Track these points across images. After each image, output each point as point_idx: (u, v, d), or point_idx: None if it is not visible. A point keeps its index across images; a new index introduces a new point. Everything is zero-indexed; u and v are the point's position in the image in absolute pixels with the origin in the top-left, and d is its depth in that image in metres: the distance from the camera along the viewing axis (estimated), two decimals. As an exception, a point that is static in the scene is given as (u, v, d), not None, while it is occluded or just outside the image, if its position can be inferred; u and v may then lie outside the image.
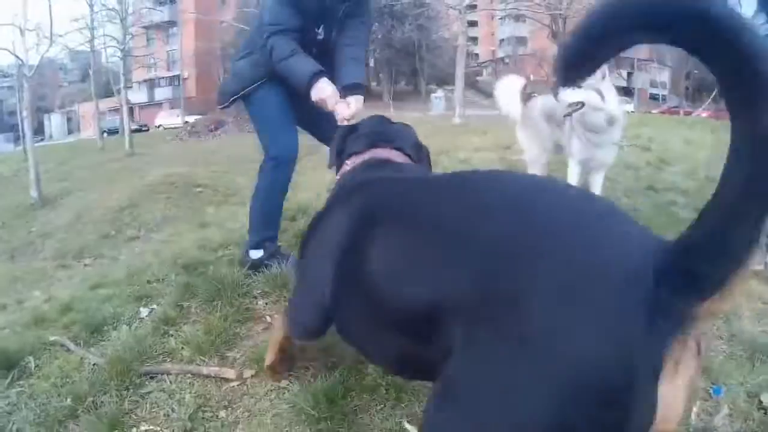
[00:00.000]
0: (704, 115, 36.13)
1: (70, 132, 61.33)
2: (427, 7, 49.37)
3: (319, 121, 3.25)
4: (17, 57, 21.20)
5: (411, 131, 2.21)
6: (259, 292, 3.16)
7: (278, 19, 2.97)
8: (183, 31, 53.24)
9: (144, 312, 3.09)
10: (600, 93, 3.62)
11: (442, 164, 5.72)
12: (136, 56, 45.03)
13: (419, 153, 2.09)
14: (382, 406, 2.19)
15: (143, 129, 47.17)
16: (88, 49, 34.58)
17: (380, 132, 2.13)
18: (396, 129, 2.19)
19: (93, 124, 41.37)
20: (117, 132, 38.16)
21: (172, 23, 55.10)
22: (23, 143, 30.41)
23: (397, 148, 1.99)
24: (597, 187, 4.05)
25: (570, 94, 3.66)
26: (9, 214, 17.56)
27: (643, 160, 6.70)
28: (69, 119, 64.30)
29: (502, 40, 60.86)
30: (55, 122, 64.78)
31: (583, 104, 3.66)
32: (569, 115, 3.77)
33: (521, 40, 57.28)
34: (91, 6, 31.02)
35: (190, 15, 49.20)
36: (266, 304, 3.06)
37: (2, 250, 13.59)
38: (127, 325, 2.95)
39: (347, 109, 2.86)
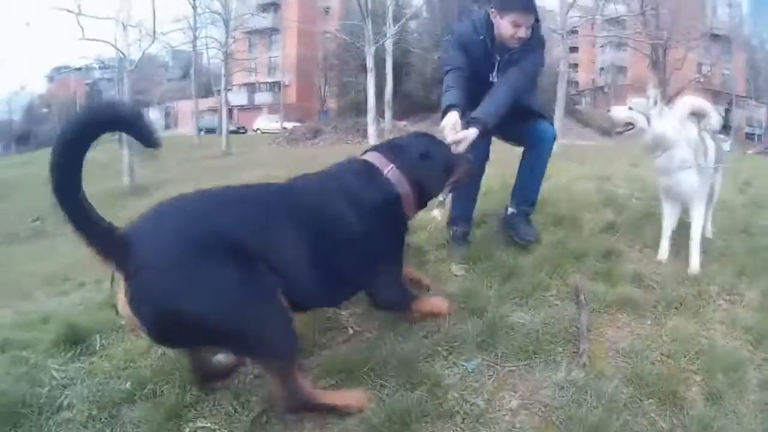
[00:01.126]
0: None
1: (167, 127, 62.69)
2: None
3: (511, 132, 3.85)
4: (119, 51, 22.01)
5: (411, 145, 2.69)
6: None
7: (447, 60, 3.66)
8: (285, 38, 53.94)
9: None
10: (647, 116, 3.58)
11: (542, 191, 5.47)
12: (238, 59, 46.06)
13: (403, 157, 2.57)
14: (457, 435, 2.07)
15: (240, 131, 48.07)
16: (190, 49, 35.65)
17: (388, 143, 2.80)
18: (398, 142, 2.77)
19: (190, 121, 42.49)
20: (214, 131, 39.00)
21: (274, 30, 55.74)
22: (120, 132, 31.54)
23: (381, 152, 2.61)
24: (695, 226, 3.72)
25: (620, 114, 3.69)
26: (100, 198, 18.12)
27: (738, 202, 6.31)
28: (167, 114, 65.71)
29: (602, 68, 59.46)
30: (153, 117, 66.18)
31: (633, 126, 3.65)
32: (620, 134, 3.77)
33: (621, 69, 55.92)
34: (194, 7, 31.93)
35: (292, 23, 49.99)
36: (351, 315, 2.96)
37: (89, 232, 14.01)
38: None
39: (453, 136, 3.13)
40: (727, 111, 49.80)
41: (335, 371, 2.38)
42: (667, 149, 3.63)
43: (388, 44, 22.84)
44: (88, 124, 1.67)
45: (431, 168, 2.62)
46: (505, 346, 2.61)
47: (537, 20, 3.51)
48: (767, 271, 3.69)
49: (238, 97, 58.53)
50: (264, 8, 54.27)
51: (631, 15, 29.97)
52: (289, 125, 40.54)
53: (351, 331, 2.80)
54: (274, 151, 29.41)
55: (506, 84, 3.45)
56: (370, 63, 19.56)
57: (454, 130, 3.17)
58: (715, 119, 3.87)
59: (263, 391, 2.25)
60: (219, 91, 36.15)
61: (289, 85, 56.06)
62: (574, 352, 2.61)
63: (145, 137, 1.75)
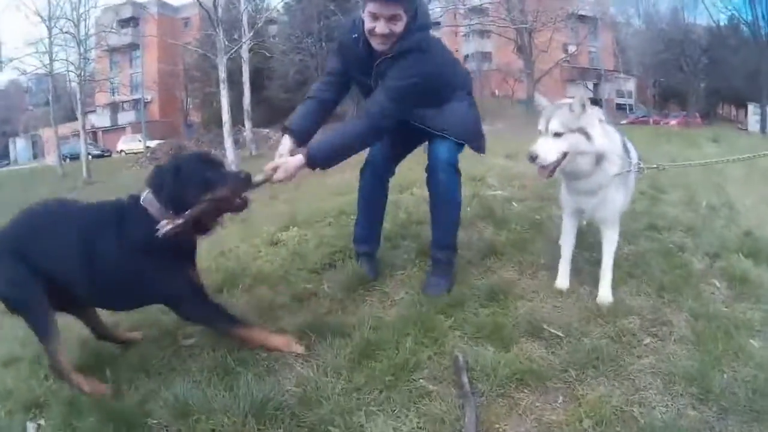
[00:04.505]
0: (673, 123, 36.56)
1: (34, 156, 60.10)
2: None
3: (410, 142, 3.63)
4: (-37, 82, 20.70)
5: (165, 169, 2.74)
6: (156, 422, 2.33)
7: (327, 65, 3.49)
8: (146, 54, 52.34)
9: (30, 429, 2.49)
10: (586, 133, 2.83)
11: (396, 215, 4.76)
12: (96, 80, 43.96)
13: (158, 182, 2.69)
14: None
15: (105, 154, 46.90)
16: (48, 73, 33.64)
17: (155, 169, 2.80)
18: (159, 168, 2.80)
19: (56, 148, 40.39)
20: (78, 158, 36.91)
21: (135, 46, 54.18)
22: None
23: (147, 180, 2.75)
24: (607, 246, 3.16)
25: (552, 148, 2.84)
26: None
27: (636, 189, 5.81)
28: (34, 143, 63.42)
29: (467, 56, 60.08)
30: (19, 146, 64.32)
31: (566, 153, 2.85)
32: (551, 175, 2.95)
33: (486, 56, 56.94)
34: (49, 29, 30.15)
35: (153, 38, 48.47)
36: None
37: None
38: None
39: (270, 164, 2.99)
40: (596, 85, 52.14)
41: None
42: (602, 163, 2.94)
43: (244, 52, 22.17)
44: None
45: (181, 187, 2.65)
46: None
47: (414, 19, 2.98)
48: (689, 282, 3.22)
49: (102, 119, 57.36)
50: (123, 24, 52.25)
51: (494, 2, 30.21)
52: (152, 143, 38.93)
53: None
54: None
55: (356, 122, 3.26)
56: (222, 74, 19.06)
57: (279, 156, 3.07)
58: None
59: None
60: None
61: (152, 101, 55.70)
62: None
63: None
